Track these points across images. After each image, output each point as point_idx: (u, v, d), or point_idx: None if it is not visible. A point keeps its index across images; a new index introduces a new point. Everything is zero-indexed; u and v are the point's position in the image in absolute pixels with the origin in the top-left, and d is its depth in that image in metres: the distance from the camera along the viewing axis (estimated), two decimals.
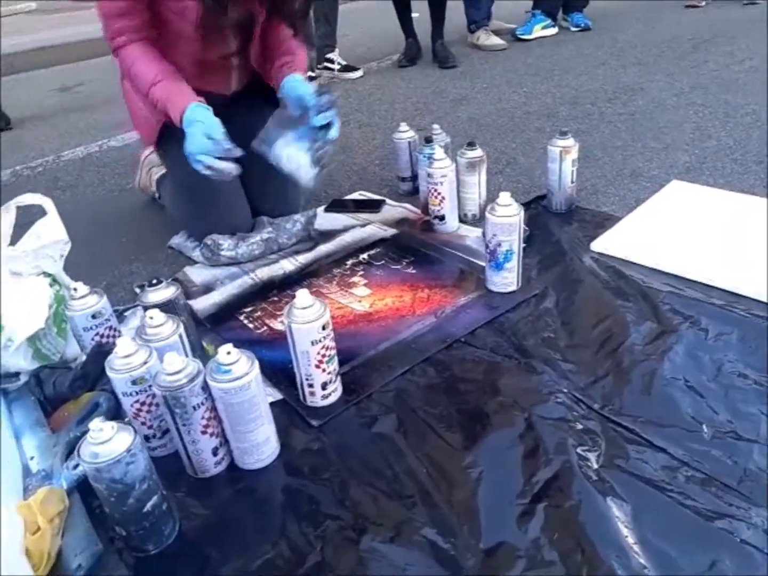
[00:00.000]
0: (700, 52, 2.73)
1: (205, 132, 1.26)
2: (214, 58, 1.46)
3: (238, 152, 1.28)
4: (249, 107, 1.57)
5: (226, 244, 1.45)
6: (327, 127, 1.35)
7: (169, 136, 1.46)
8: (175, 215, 1.63)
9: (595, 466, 0.85)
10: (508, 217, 1.16)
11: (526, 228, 1.24)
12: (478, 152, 1.47)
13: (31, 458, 0.91)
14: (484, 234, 1.24)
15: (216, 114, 1.50)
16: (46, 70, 4.21)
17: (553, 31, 3.36)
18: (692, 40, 2.92)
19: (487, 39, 3.24)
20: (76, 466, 0.86)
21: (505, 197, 1.16)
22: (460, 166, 1.48)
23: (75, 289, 1.05)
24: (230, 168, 1.29)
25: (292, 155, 1.36)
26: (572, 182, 1.50)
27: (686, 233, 1.36)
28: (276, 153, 1.39)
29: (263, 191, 1.56)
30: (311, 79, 2.90)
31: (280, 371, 1.07)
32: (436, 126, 1.63)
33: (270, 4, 1.40)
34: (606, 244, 1.35)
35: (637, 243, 1.34)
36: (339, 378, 1.03)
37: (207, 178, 1.42)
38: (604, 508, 0.79)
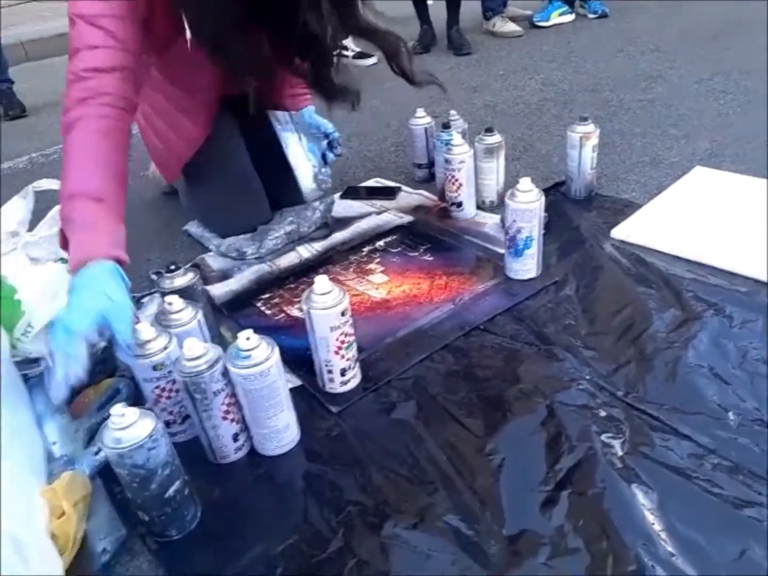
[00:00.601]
0: (722, 39, 2.68)
1: (103, 313, 0.82)
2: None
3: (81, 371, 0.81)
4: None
5: (250, 251, 1.43)
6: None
7: None
8: (192, 213, 1.61)
9: (620, 453, 0.84)
10: (529, 202, 1.14)
11: (545, 214, 1.22)
12: (496, 138, 1.45)
13: (54, 443, 0.91)
14: (503, 220, 1.23)
15: (230, 105, 1.48)
16: (60, 57, 4.20)
17: (570, 17, 3.31)
18: (712, 26, 2.87)
19: (503, 26, 3.20)
20: (97, 452, 0.86)
21: (525, 183, 1.15)
22: (478, 151, 1.46)
23: None
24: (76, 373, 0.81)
25: (299, 155, 1.50)
26: (592, 168, 1.48)
27: (709, 220, 1.34)
28: (284, 138, 1.48)
29: (282, 185, 1.54)
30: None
31: (298, 357, 1.07)
32: (453, 112, 1.61)
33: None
34: (627, 230, 1.33)
35: (659, 230, 1.32)
36: (358, 364, 1.02)
37: (223, 177, 1.43)
38: (630, 496, 0.78)
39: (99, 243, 0.90)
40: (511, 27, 3.19)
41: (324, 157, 1.55)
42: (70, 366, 0.79)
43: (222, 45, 1.09)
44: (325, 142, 1.55)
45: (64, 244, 0.95)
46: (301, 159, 1.51)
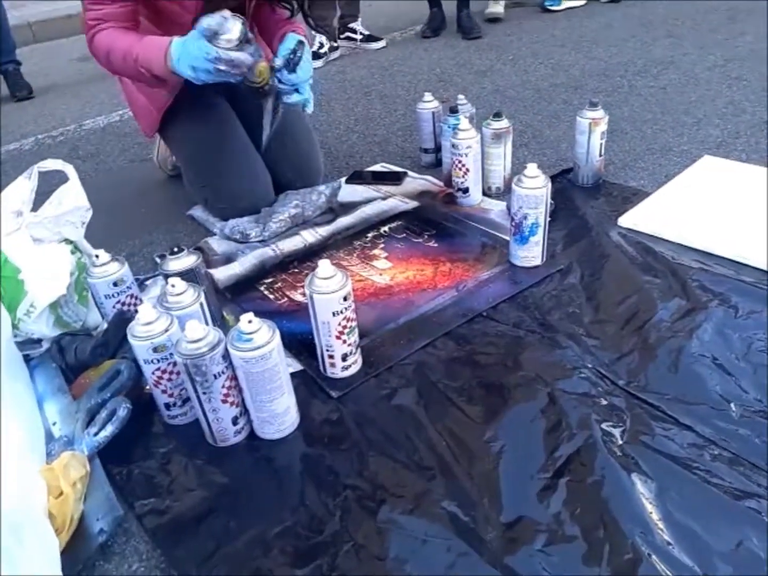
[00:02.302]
0: (737, 24, 2.64)
1: (198, 35, 1.14)
2: None
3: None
4: None
5: (254, 234, 1.42)
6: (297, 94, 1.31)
7: (170, 119, 1.46)
8: (193, 193, 1.59)
9: (620, 441, 0.84)
10: (535, 189, 1.13)
11: (552, 201, 1.21)
12: (504, 123, 1.43)
13: (54, 424, 0.92)
14: (509, 206, 1.22)
15: (221, 93, 1.51)
16: (67, 39, 4.18)
17: (582, 2, 3.26)
18: (728, 11, 2.82)
19: (491, 7, 3.20)
20: (97, 433, 0.87)
21: (532, 168, 1.14)
22: (485, 137, 1.45)
23: (97, 256, 1.05)
24: (242, 57, 1.16)
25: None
26: (600, 155, 1.46)
27: (717, 209, 1.32)
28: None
29: (284, 162, 1.54)
30: (333, 48, 2.86)
31: (300, 342, 1.07)
32: (461, 96, 1.60)
33: None
34: (635, 219, 1.32)
35: (666, 219, 1.30)
36: (359, 350, 1.02)
37: (217, 151, 1.41)
38: (628, 484, 0.78)
39: (160, 42, 1.21)
40: (495, 9, 3.18)
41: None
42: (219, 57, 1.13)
43: None
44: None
45: (150, 73, 1.24)
46: None
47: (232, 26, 1.15)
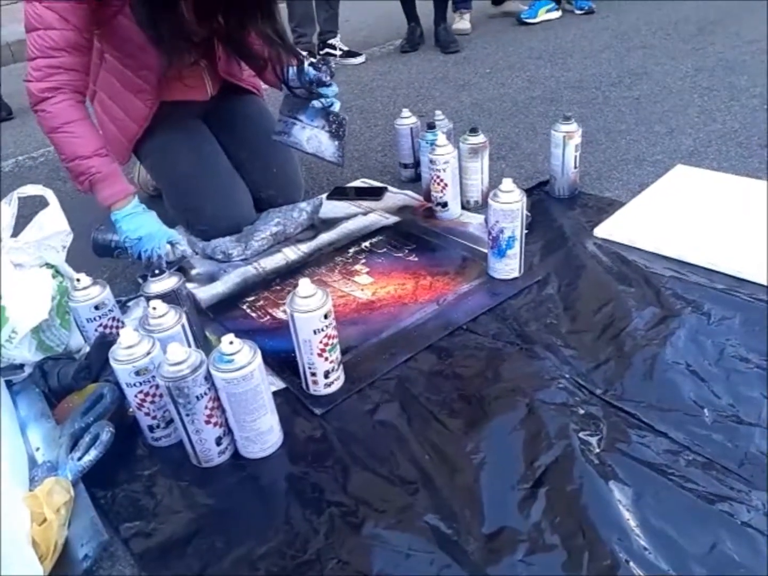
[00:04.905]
0: (706, 34, 2.70)
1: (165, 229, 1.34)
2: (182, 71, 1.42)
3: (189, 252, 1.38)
4: (233, 104, 1.58)
5: (236, 252, 1.43)
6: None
7: (147, 142, 1.48)
8: (173, 214, 1.57)
9: (597, 450, 0.86)
10: (511, 203, 1.15)
11: (529, 214, 1.23)
12: (480, 138, 1.46)
13: (37, 449, 0.92)
14: (486, 221, 1.24)
15: (198, 115, 1.56)
16: None
17: (557, 14, 3.33)
18: (698, 22, 2.89)
19: (457, 23, 3.27)
20: (81, 458, 0.87)
21: (507, 183, 1.16)
22: (462, 152, 1.47)
23: (78, 280, 1.05)
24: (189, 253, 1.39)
25: (312, 136, 1.49)
26: (575, 167, 1.49)
27: (690, 218, 1.35)
28: (296, 139, 1.50)
29: (264, 179, 1.55)
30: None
31: (283, 360, 1.08)
32: (438, 112, 1.62)
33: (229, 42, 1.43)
34: (610, 229, 1.34)
35: (640, 228, 1.33)
36: (341, 366, 1.03)
37: (197, 173, 1.46)
38: (606, 492, 0.80)
39: (121, 186, 1.30)
40: (462, 25, 3.26)
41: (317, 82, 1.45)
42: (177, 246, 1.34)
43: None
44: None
45: (90, 188, 1.28)
46: (314, 138, 1.49)
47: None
